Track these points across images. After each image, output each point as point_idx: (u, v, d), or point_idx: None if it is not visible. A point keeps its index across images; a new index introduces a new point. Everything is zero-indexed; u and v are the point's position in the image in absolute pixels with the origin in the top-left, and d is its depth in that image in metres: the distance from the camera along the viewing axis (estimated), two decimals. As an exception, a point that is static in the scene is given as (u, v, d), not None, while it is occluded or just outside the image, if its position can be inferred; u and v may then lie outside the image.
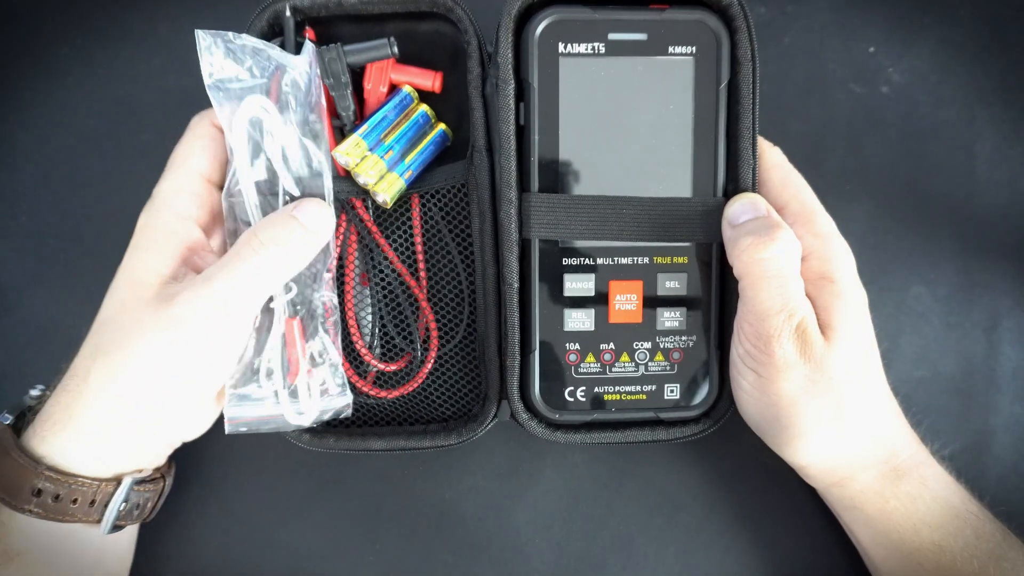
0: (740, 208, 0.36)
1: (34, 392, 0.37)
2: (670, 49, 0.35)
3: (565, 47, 0.35)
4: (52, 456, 0.33)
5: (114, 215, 0.44)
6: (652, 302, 0.37)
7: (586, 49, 0.35)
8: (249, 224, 0.36)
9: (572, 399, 0.37)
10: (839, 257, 0.36)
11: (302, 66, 0.36)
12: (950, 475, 0.37)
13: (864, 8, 0.47)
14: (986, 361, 0.43)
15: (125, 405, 0.33)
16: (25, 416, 0.35)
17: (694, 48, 0.35)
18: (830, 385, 0.34)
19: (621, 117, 0.36)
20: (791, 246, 0.34)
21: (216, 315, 0.33)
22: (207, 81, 0.36)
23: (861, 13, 0.47)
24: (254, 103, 0.35)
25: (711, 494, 0.42)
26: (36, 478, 0.33)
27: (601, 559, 0.41)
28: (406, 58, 0.38)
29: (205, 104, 0.42)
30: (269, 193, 0.36)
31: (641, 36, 0.35)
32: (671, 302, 0.37)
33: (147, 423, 0.34)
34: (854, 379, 0.35)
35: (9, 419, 0.35)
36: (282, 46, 0.37)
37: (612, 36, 0.35)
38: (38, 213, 0.44)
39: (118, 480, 0.34)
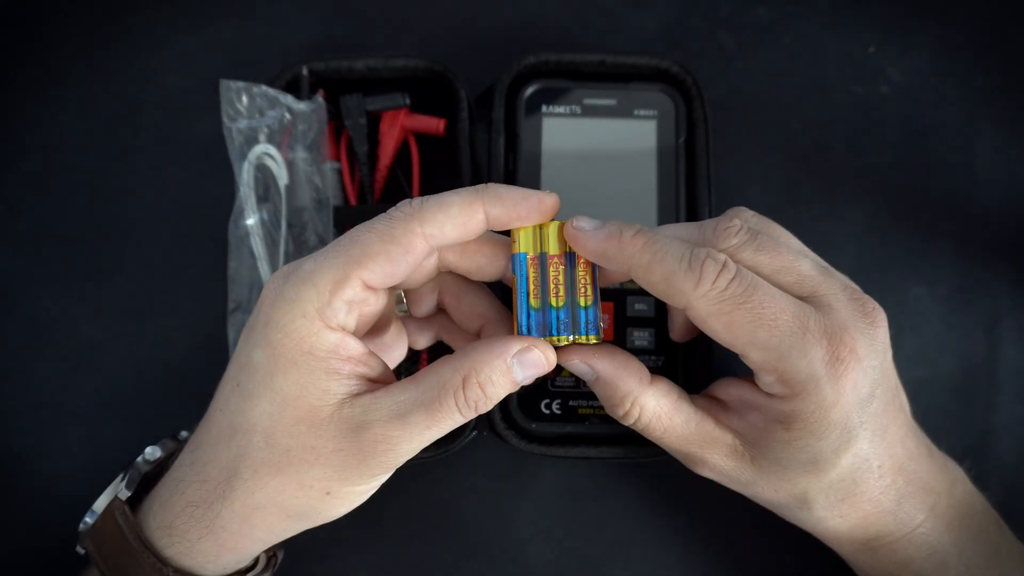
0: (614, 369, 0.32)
1: (150, 454, 0.34)
2: (635, 112, 0.42)
3: (547, 108, 0.41)
4: (178, 559, 0.30)
5: (114, 215, 0.44)
6: (623, 321, 0.39)
7: (565, 110, 0.42)
8: (254, 256, 0.39)
9: (548, 411, 0.39)
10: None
11: (312, 114, 0.41)
12: (945, 539, 0.33)
13: (864, 8, 0.47)
14: (986, 361, 0.43)
15: (271, 531, 0.30)
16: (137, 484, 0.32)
17: (656, 111, 0.42)
18: (776, 493, 0.32)
19: (594, 164, 0.41)
20: (667, 410, 0.32)
21: (406, 454, 0.30)
22: (225, 124, 0.40)
23: (861, 13, 0.47)
24: (261, 150, 0.40)
25: (712, 494, 0.42)
26: None
27: (601, 559, 0.41)
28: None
29: (205, 104, 0.42)
30: (272, 226, 0.41)
31: (611, 101, 0.42)
32: (640, 322, 0.40)
33: (280, 537, 0.31)
34: (806, 495, 0.32)
35: (127, 493, 0.32)
36: (297, 98, 0.41)
37: (587, 101, 0.42)
38: (38, 213, 0.44)
39: None
